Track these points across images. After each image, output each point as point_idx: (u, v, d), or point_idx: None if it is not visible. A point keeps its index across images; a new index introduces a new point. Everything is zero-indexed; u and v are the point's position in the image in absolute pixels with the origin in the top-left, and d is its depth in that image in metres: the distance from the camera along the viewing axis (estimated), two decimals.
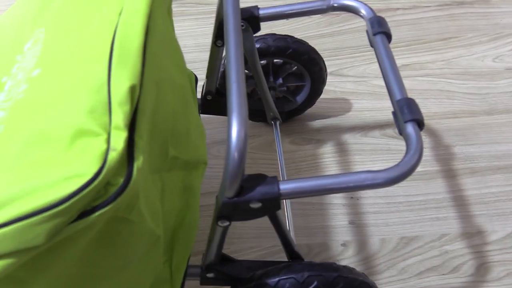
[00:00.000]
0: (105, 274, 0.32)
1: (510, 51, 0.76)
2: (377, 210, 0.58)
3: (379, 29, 0.43)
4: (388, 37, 0.43)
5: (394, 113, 0.38)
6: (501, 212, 0.57)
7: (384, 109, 0.68)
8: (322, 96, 0.64)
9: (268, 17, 0.48)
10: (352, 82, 0.73)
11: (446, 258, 0.54)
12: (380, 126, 0.67)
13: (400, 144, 0.64)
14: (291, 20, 0.82)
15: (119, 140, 0.26)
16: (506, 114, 0.67)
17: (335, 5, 0.45)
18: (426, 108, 0.68)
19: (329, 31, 0.81)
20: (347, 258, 0.54)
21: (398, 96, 0.38)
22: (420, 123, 0.35)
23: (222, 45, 0.52)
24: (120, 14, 0.35)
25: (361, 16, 0.45)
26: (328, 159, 0.64)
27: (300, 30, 0.80)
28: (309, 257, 0.54)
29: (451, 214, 0.58)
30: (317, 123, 0.68)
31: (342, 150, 0.64)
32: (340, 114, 0.69)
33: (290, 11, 0.47)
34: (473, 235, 0.56)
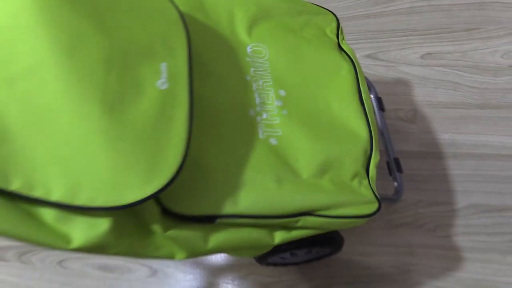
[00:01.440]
0: None
1: None
2: (380, 178, 0.85)
3: (381, 107, 0.67)
4: (384, 111, 0.68)
5: (388, 163, 0.64)
6: (465, 190, 0.84)
7: (403, 94, 0.91)
8: None
9: None
10: (384, 66, 0.94)
11: (419, 217, 0.83)
12: (396, 109, 0.90)
13: (408, 127, 0.88)
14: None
15: (374, 186, 0.54)
16: (495, 110, 0.89)
17: None
18: (434, 97, 0.90)
19: (374, 11, 0.99)
20: None
21: (392, 156, 0.64)
22: (402, 172, 0.63)
23: None
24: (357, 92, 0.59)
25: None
26: None
27: (350, 9, 0.99)
28: None
29: (429, 186, 0.84)
30: None
31: None
32: None
33: None
34: (440, 204, 0.83)
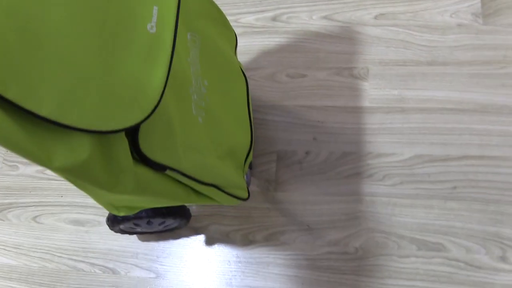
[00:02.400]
0: None
1: (467, 7, 0.98)
2: (333, 132, 0.91)
3: None
4: None
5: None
6: (411, 142, 0.90)
7: (357, 53, 0.96)
8: (311, 37, 0.91)
9: None
10: (339, 27, 0.98)
11: (367, 168, 0.89)
12: (350, 68, 0.95)
13: (360, 84, 0.93)
14: None
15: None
16: (442, 66, 0.94)
17: None
18: (386, 55, 0.95)
19: None
20: (308, 162, 0.90)
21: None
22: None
23: None
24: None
25: None
26: (304, 91, 0.94)
27: None
28: (285, 159, 0.90)
29: (378, 140, 0.90)
30: (302, 60, 0.96)
31: (318, 85, 0.94)
32: (322, 54, 0.96)
33: None
34: (388, 155, 0.89)
